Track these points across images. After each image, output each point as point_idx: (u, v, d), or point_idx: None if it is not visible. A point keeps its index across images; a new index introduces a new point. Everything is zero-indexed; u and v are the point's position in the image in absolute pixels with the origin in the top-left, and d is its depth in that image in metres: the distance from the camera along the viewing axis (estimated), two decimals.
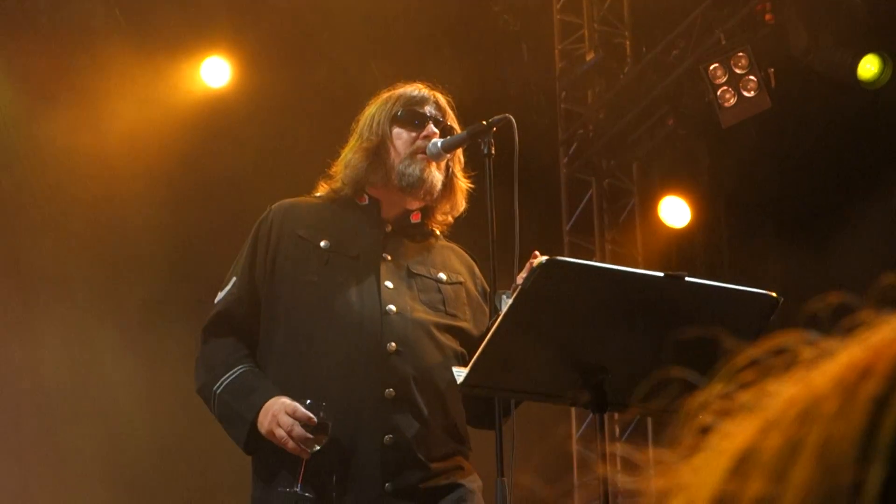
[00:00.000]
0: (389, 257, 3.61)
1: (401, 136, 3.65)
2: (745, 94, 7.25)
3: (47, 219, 7.17)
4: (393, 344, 3.44)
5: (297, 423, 3.29)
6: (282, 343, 3.51)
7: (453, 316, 3.59)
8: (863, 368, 0.65)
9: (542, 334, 2.90)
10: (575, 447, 8.11)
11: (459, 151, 3.72)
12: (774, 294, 2.92)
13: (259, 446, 3.42)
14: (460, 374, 3.11)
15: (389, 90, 3.78)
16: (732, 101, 7.29)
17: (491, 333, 2.92)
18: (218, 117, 7.50)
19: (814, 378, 0.66)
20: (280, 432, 3.31)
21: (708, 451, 0.68)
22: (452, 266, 3.70)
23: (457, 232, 3.83)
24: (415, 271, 3.61)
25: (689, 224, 8.28)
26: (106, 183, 7.15)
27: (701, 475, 0.67)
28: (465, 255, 3.80)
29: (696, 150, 8.32)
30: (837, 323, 0.72)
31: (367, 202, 3.69)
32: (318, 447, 3.30)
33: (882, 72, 7.08)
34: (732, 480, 0.65)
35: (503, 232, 3.37)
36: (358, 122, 3.75)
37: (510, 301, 2.92)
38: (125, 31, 7.27)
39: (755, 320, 2.90)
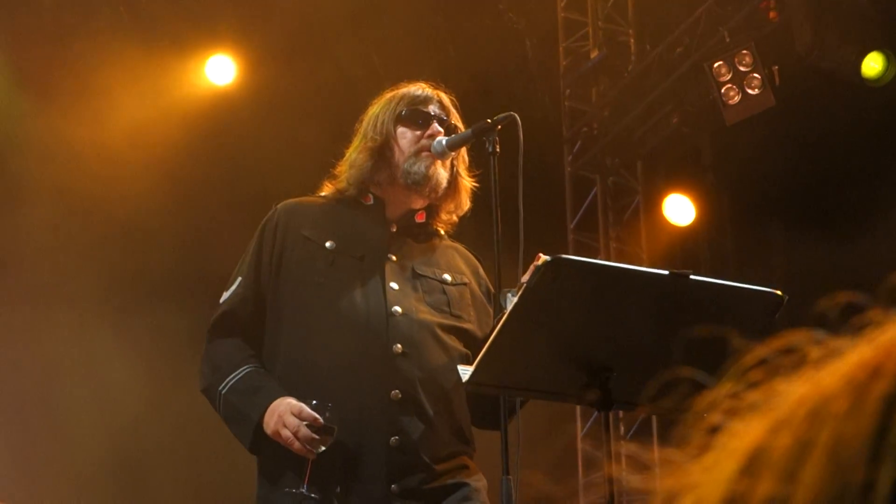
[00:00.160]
0: (394, 258, 3.60)
1: (405, 135, 3.64)
2: (749, 91, 7.25)
3: (51, 216, 7.17)
4: (399, 346, 3.44)
5: (303, 423, 3.28)
6: (287, 343, 3.51)
7: (458, 317, 3.58)
8: (873, 368, 0.65)
9: (547, 332, 2.90)
10: (580, 445, 8.12)
11: (464, 150, 3.71)
12: (779, 292, 2.91)
13: (264, 446, 3.41)
14: (466, 371, 3.10)
15: (393, 89, 3.77)
16: (736, 99, 7.29)
17: (496, 331, 2.91)
18: (223, 115, 7.51)
19: (823, 377, 0.66)
20: (286, 433, 3.30)
21: (717, 450, 0.68)
22: (457, 267, 3.70)
23: (461, 230, 3.82)
24: (420, 272, 3.61)
25: (693, 222, 8.28)
26: (110, 181, 7.16)
27: (711, 475, 0.67)
28: (470, 255, 3.79)
29: (700, 147, 8.33)
30: (846, 322, 0.72)
31: (371, 202, 3.68)
32: (323, 448, 3.29)
33: (886, 69, 7.08)
34: (742, 480, 0.65)
35: (508, 230, 3.37)
36: (361, 121, 3.75)
37: (515, 299, 2.92)
38: (130, 30, 7.28)
39: (760, 318, 2.90)
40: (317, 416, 3.28)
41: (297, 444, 3.29)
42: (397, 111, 3.66)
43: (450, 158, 3.65)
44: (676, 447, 0.73)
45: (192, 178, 7.29)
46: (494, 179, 3.46)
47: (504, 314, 2.97)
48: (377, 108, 3.72)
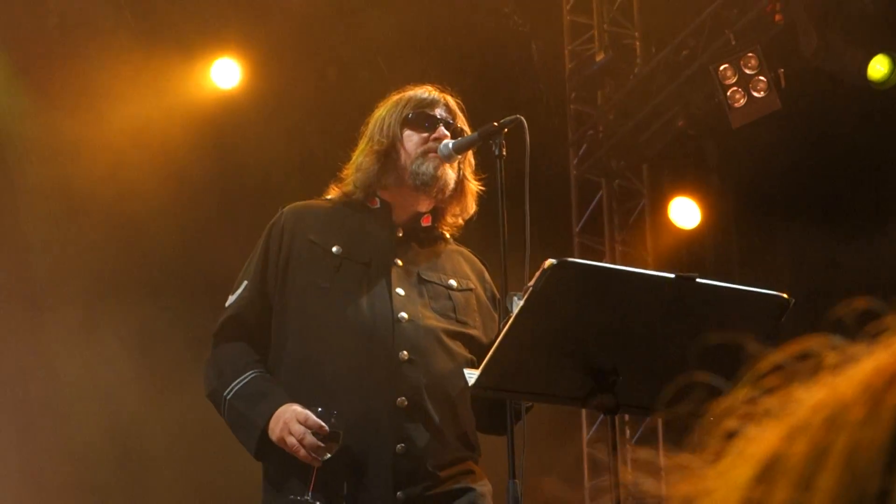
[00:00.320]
0: (401, 263, 3.59)
1: (411, 137, 3.63)
2: (755, 94, 7.24)
3: (54, 217, 7.17)
4: (405, 352, 3.43)
5: (308, 431, 3.27)
6: (293, 349, 3.49)
7: (463, 323, 3.58)
8: (890, 374, 0.64)
9: (553, 336, 2.89)
10: (586, 449, 8.11)
11: (470, 154, 3.70)
12: (786, 295, 2.90)
13: (269, 453, 3.40)
14: (472, 375, 3.10)
15: (399, 92, 3.76)
16: (742, 102, 7.28)
17: (502, 335, 2.91)
18: (228, 119, 7.51)
19: (840, 384, 0.66)
20: (291, 440, 3.29)
21: (733, 456, 0.67)
22: (463, 272, 3.69)
23: (467, 233, 3.82)
24: (426, 278, 3.59)
25: (698, 225, 8.27)
26: (114, 183, 7.16)
27: (726, 481, 0.66)
28: (476, 259, 3.78)
29: (705, 150, 8.32)
30: (862, 328, 0.71)
31: (378, 206, 3.67)
32: (329, 455, 3.28)
33: (892, 72, 7.07)
34: (758, 487, 0.64)
35: (514, 233, 3.36)
36: (367, 124, 3.74)
37: (521, 303, 2.91)
38: (135, 33, 7.28)
39: (767, 321, 2.89)
40: (322, 423, 3.27)
41: (302, 452, 3.28)
42: (404, 114, 3.65)
43: (456, 161, 3.64)
44: (687, 452, 0.72)
45: (196, 181, 7.29)
46: (501, 182, 3.45)
47: (510, 318, 2.96)
48: (383, 111, 3.70)
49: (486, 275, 3.74)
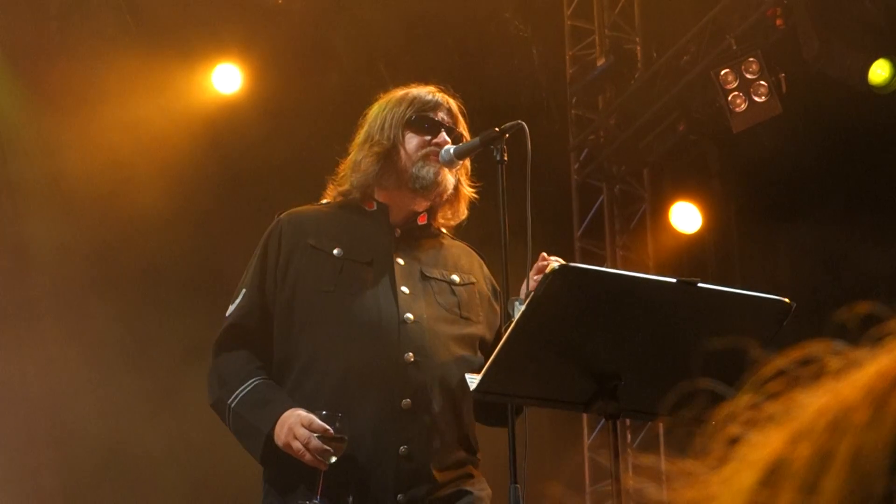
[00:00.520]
0: (402, 261, 3.59)
1: (412, 140, 3.62)
2: (756, 99, 7.24)
3: (55, 224, 7.18)
4: (410, 354, 3.42)
5: (313, 435, 3.27)
6: (298, 353, 3.48)
7: (467, 319, 3.57)
8: (893, 378, 0.64)
9: (554, 341, 2.89)
10: (587, 454, 8.10)
11: (466, 159, 3.69)
12: (787, 300, 2.90)
13: (275, 458, 3.40)
14: (473, 380, 3.10)
15: (401, 88, 3.73)
16: (743, 107, 7.28)
17: (504, 340, 2.91)
18: (229, 124, 7.51)
19: (843, 388, 0.66)
20: (297, 445, 3.28)
21: (737, 461, 0.67)
22: (463, 266, 3.68)
23: (469, 238, 3.81)
24: (428, 274, 3.59)
25: (699, 229, 8.27)
26: (116, 189, 7.16)
27: (730, 486, 0.66)
28: (474, 252, 3.77)
29: (706, 155, 8.32)
30: (864, 332, 0.72)
31: (375, 208, 3.66)
32: (334, 458, 3.28)
33: (893, 76, 7.07)
34: (763, 492, 0.64)
35: (515, 238, 3.36)
36: (365, 117, 3.72)
37: (523, 307, 2.91)
38: (137, 38, 7.28)
39: (768, 326, 2.89)
40: (327, 426, 3.27)
41: (308, 456, 3.27)
42: (406, 115, 3.63)
43: (457, 167, 3.64)
44: (690, 457, 0.72)
45: (197, 187, 7.30)
46: (502, 188, 3.44)
47: (511, 323, 2.96)
48: (384, 110, 3.67)
49: (485, 267, 3.74)
